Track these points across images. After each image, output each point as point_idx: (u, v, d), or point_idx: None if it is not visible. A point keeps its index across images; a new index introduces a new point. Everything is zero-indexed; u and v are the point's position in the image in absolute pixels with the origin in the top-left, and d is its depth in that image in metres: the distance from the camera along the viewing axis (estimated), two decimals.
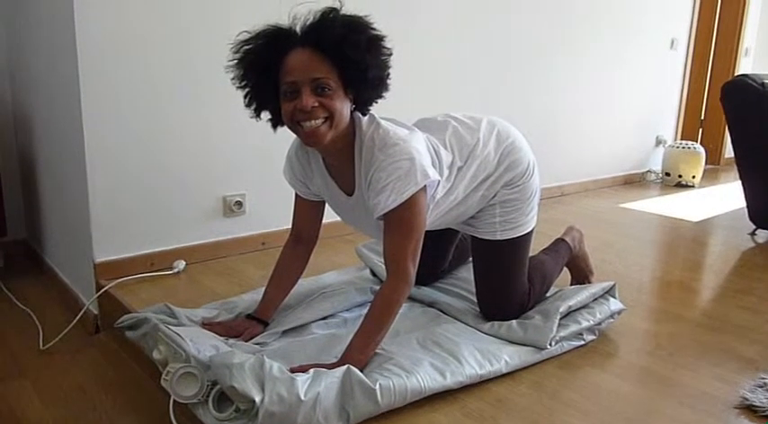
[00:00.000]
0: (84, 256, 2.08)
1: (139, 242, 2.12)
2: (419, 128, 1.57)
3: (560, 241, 1.98)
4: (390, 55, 1.42)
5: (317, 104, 1.34)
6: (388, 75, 1.44)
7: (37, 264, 2.62)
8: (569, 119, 3.69)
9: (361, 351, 1.40)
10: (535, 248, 1.92)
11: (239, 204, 2.34)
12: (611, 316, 1.74)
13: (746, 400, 1.39)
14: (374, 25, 1.39)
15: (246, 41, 1.38)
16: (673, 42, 4.34)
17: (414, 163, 1.40)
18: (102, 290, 1.98)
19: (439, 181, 1.51)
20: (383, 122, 1.47)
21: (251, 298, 1.76)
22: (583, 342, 1.66)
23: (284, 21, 1.39)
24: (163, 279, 2.09)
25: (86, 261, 2.06)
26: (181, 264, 2.17)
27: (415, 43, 2.75)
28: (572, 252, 1.98)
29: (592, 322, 1.68)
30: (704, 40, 4.99)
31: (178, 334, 1.42)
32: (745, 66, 5.14)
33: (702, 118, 5.20)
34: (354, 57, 1.34)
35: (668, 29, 4.29)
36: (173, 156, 2.14)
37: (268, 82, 1.38)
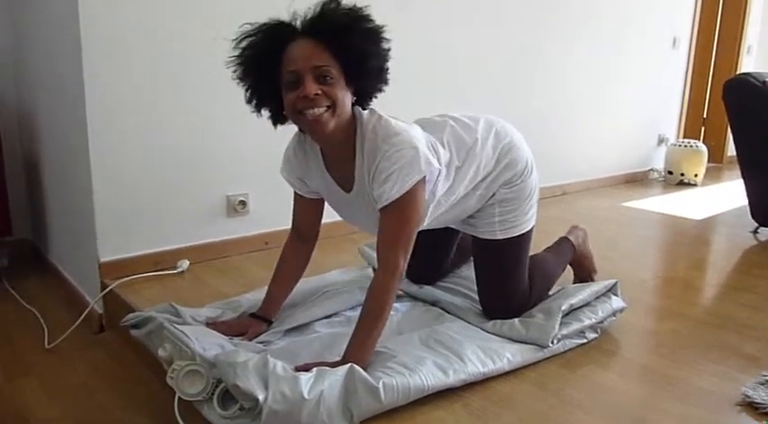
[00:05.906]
0: (89, 255, 2.09)
1: (143, 241, 2.13)
2: None
3: (564, 239, 1.99)
4: (389, 48, 1.42)
5: (319, 92, 1.34)
6: (388, 68, 1.44)
7: (41, 264, 2.64)
8: (571, 117, 3.70)
9: (360, 349, 1.40)
10: (539, 246, 1.93)
11: (243, 203, 2.35)
12: (613, 314, 1.75)
13: (748, 397, 1.39)
14: (372, 17, 1.39)
15: (247, 34, 1.39)
16: (675, 41, 4.34)
17: (417, 151, 1.41)
18: (107, 289, 1.99)
19: (440, 171, 1.52)
20: (384, 115, 1.48)
21: (255, 297, 1.77)
22: (585, 340, 1.66)
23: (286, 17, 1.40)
24: (167, 279, 2.11)
25: (91, 261, 2.08)
26: (185, 264, 2.18)
27: (416, 41, 2.76)
28: (575, 251, 1.98)
29: (594, 320, 1.68)
30: (706, 39, 4.99)
31: (183, 332, 1.43)
32: (747, 65, 5.13)
33: (705, 116, 5.20)
34: (355, 46, 1.35)
35: (670, 27, 4.29)
36: (176, 156, 2.15)
37: (269, 75, 1.39)
